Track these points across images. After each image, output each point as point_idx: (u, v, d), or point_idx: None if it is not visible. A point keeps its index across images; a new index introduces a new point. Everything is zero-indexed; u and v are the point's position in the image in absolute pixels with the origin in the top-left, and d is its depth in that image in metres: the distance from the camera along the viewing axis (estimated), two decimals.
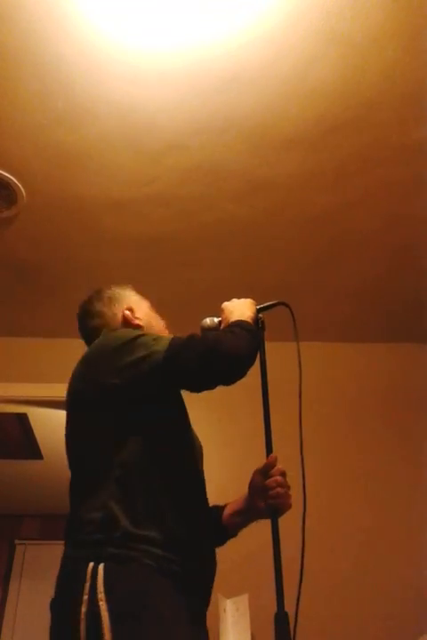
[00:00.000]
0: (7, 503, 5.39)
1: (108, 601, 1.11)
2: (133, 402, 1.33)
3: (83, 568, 1.16)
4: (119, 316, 1.60)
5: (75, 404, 1.43)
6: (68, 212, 2.61)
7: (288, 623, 1.21)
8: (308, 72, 2.06)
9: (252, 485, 1.48)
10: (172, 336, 1.38)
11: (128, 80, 2.08)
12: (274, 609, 1.24)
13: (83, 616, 1.12)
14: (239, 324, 1.39)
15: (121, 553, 1.18)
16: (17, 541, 5.53)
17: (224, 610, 2.41)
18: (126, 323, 1.59)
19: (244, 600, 2.41)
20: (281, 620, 1.20)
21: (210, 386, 1.33)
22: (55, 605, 1.24)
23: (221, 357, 1.29)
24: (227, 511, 1.53)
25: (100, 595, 1.12)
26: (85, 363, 1.43)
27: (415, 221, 2.68)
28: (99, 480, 1.27)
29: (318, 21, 1.91)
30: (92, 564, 1.16)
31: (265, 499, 1.38)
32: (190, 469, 1.43)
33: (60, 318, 3.23)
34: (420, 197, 2.55)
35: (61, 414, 4.04)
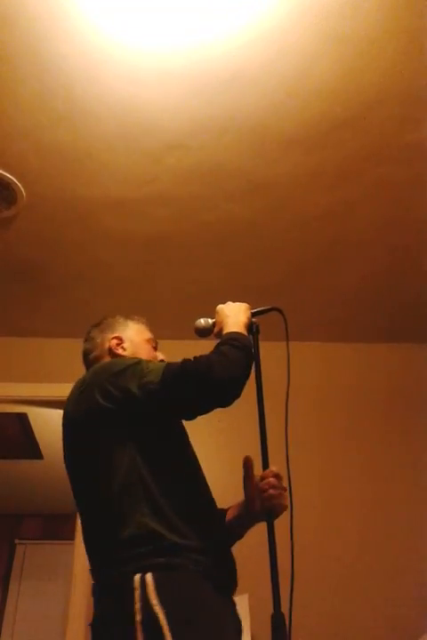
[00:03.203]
0: (7, 503, 5.39)
1: (165, 606, 1.12)
2: (133, 424, 1.35)
3: (129, 581, 1.16)
4: (106, 344, 1.63)
5: (75, 431, 1.43)
6: (68, 211, 2.61)
7: (285, 624, 1.21)
8: (308, 72, 2.06)
9: (246, 489, 1.48)
10: (165, 363, 1.38)
11: (128, 80, 2.08)
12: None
13: (138, 625, 1.11)
14: (231, 340, 1.39)
15: (167, 561, 1.19)
16: (17, 541, 5.53)
17: None
18: (111, 351, 1.61)
19: (244, 600, 2.41)
20: (278, 621, 1.21)
21: (206, 412, 1.34)
22: (101, 623, 1.23)
23: (215, 384, 1.30)
24: (227, 518, 1.53)
25: (154, 601, 1.12)
26: (81, 390, 1.43)
27: (416, 221, 2.68)
28: (124, 501, 1.28)
29: (318, 21, 1.91)
30: (138, 575, 1.16)
31: (261, 500, 1.39)
32: (197, 476, 1.45)
33: (60, 318, 3.24)
34: (420, 197, 2.55)
35: (61, 414, 4.04)
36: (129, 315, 1.73)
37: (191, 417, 1.36)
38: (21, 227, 2.67)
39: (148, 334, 1.70)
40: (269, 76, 2.07)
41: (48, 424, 4.27)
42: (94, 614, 1.25)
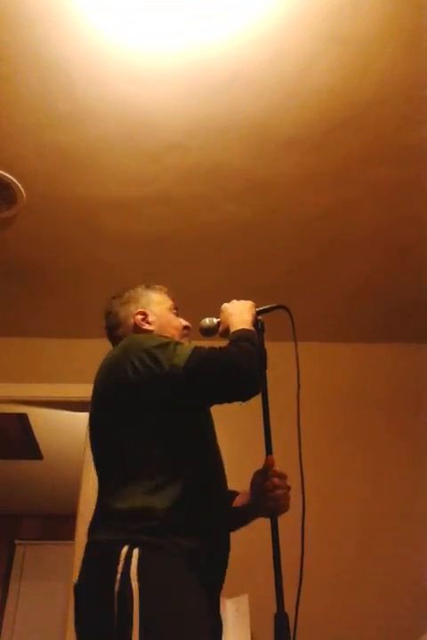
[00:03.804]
0: (7, 503, 5.39)
1: (140, 583, 1.15)
2: (155, 404, 1.37)
3: (116, 550, 1.20)
4: (130, 319, 1.63)
5: (100, 406, 1.47)
6: (68, 211, 2.61)
7: (288, 624, 1.21)
8: (308, 72, 2.06)
9: (252, 486, 1.50)
10: (192, 347, 1.39)
11: (128, 80, 2.08)
12: (274, 609, 1.24)
13: (116, 595, 1.15)
14: (247, 337, 1.42)
15: (154, 541, 1.22)
16: (17, 541, 5.53)
17: (224, 610, 2.41)
18: (137, 327, 1.61)
19: (244, 600, 2.41)
20: (281, 621, 1.21)
21: (223, 402, 1.37)
22: (83, 587, 1.26)
23: (238, 379, 1.33)
24: (235, 503, 1.55)
25: (134, 575, 1.16)
26: (109, 366, 1.46)
27: (415, 221, 2.68)
28: (130, 476, 1.32)
29: (317, 21, 1.91)
30: (126, 547, 1.20)
31: (264, 499, 1.41)
32: (212, 461, 1.47)
33: (60, 318, 3.24)
34: (420, 197, 2.55)
35: (61, 414, 4.03)
36: (149, 284, 1.73)
37: (207, 405, 1.41)
38: (21, 227, 2.67)
39: (169, 302, 1.70)
40: (269, 76, 2.07)
41: (48, 424, 4.27)
42: (79, 574, 1.28)
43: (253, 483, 1.50)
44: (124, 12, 1.87)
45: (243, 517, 1.54)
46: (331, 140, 2.29)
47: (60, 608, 4.64)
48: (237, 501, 1.55)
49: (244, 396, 1.36)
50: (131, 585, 1.15)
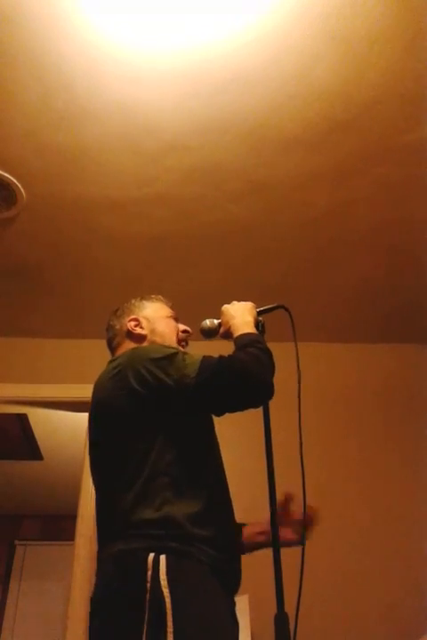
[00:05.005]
0: (7, 503, 5.39)
1: (172, 589, 1.15)
2: (166, 415, 1.37)
3: (143, 559, 1.19)
4: (124, 328, 1.64)
5: (106, 415, 1.44)
6: (68, 211, 2.61)
7: (288, 624, 1.21)
8: (308, 72, 2.06)
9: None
10: (201, 356, 1.38)
11: (128, 80, 2.08)
12: (274, 609, 1.24)
13: (147, 604, 1.14)
14: (256, 343, 1.40)
15: (180, 548, 1.22)
16: (17, 542, 5.54)
17: None
18: (130, 333, 1.62)
19: (244, 600, 2.41)
20: (281, 620, 1.21)
21: (236, 411, 1.37)
22: (107, 600, 1.23)
23: (251, 387, 1.33)
24: (249, 531, 1.56)
25: (164, 582, 1.15)
26: (113, 374, 1.44)
27: (415, 221, 2.68)
28: (148, 485, 1.30)
29: (318, 22, 1.91)
30: (152, 555, 1.19)
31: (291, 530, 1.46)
32: (220, 469, 1.48)
33: (59, 318, 3.24)
34: (419, 198, 2.55)
35: (61, 414, 4.03)
36: (144, 296, 1.75)
37: (220, 414, 1.40)
38: (21, 227, 2.67)
39: (166, 310, 1.71)
40: (269, 76, 2.07)
41: (48, 424, 4.28)
42: (97, 585, 1.27)
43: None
44: (124, 12, 1.87)
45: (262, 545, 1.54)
46: (331, 140, 2.29)
47: (60, 608, 4.65)
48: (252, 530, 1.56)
49: (258, 403, 1.37)
50: (162, 591, 1.14)
